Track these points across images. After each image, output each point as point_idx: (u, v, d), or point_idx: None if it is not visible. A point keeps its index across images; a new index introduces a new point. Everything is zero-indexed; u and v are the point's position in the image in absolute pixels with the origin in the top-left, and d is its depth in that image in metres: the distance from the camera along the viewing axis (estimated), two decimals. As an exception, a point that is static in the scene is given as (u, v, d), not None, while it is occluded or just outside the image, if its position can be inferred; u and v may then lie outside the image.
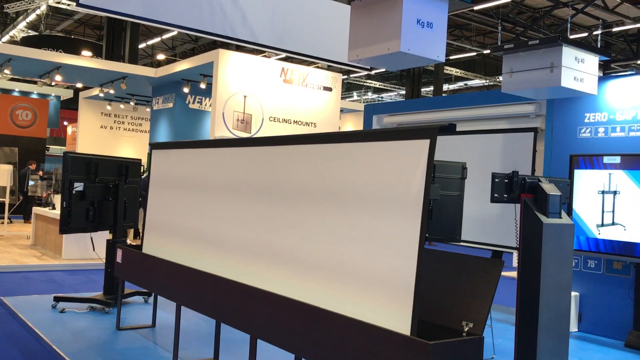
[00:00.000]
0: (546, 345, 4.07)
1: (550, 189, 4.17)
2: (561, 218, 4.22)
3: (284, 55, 10.20)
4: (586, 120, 7.09)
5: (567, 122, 7.25)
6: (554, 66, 5.53)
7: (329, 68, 12.93)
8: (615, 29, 17.75)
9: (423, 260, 2.89)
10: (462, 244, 7.94)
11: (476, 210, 7.94)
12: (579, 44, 5.70)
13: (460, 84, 29.29)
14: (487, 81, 27.84)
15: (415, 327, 2.90)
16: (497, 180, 4.07)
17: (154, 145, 5.82)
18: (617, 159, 6.47)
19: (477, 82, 28.32)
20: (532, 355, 4.05)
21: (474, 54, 23.37)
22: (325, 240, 3.52)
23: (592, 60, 5.79)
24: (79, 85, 16.37)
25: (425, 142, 2.96)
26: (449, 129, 2.85)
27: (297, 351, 3.57)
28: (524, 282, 4.10)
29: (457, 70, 26.48)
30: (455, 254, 3.30)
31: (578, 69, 5.66)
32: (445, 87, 28.05)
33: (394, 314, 3.00)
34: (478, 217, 8.10)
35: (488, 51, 23.48)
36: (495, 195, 4.07)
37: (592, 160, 6.66)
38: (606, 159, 6.55)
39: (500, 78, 26.97)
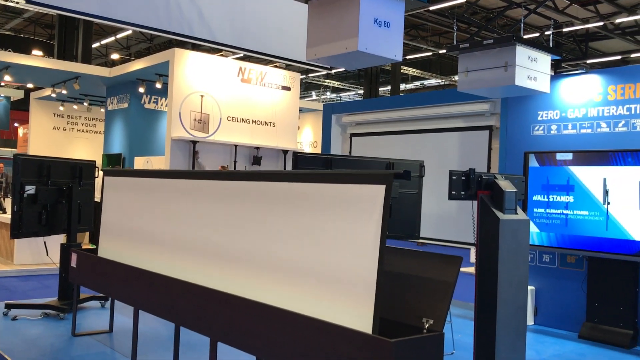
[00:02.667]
0: (505, 339, 4.14)
1: (506, 185, 4.25)
2: (517, 214, 4.30)
3: (241, 54, 10.12)
4: (539, 118, 7.25)
5: (521, 120, 7.40)
6: (508, 65, 5.64)
7: (287, 67, 12.89)
8: (565, 30, 18.24)
9: (384, 258, 2.90)
10: (421, 241, 8.04)
11: (434, 207, 8.05)
12: (531, 44, 5.83)
13: (417, 83, 29.63)
14: (443, 81, 28.25)
15: (377, 326, 2.91)
16: (454, 177, 4.12)
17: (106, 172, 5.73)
18: (569, 156, 6.64)
19: (433, 81, 28.71)
20: (491, 350, 4.11)
21: (430, 53, 23.68)
22: (284, 240, 3.50)
23: (544, 60, 5.92)
24: (30, 85, 15.89)
25: (381, 188, 2.95)
26: (403, 176, 2.87)
27: (258, 353, 3.54)
28: (482, 277, 4.17)
29: (414, 70, 26.79)
30: (414, 251, 3.32)
31: (531, 67, 5.79)
32: (402, 86, 28.32)
33: (356, 313, 3.00)
34: (436, 215, 8.21)
35: (444, 51, 23.82)
36: (453, 192, 4.12)
37: (545, 158, 6.82)
38: (559, 156, 6.72)
39: (456, 77, 27.39)
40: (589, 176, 6.44)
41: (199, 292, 3.87)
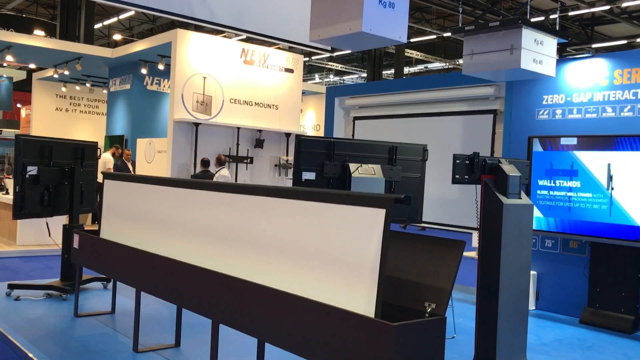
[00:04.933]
0: (506, 324, 4.14)
1: (510, 170, 4.21)
2: (521, 199, 4.28)
3: (244, 36, 10.03)
4: (544, 102, 7.19)
5: (526, 104, 7.34)
6: (513, 48, 5.57)
7: (290, 49, 12.79)
8: (571, 13, 18.05)
9: (387, 241, 2.88)
10: (422, 225, 8.03)
11: (437, 191, 8.02)
12: (538, 26, 5.75)
13: (421, 66, 29.43)
14: (448, 64, 28.05)
15: (380, 310, 2.90)
16: (458, 161, 4.08)
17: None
18: (574, 141, 6.59)
19: (437, 64, 28.51)
20: (493, 334, 4.11)
21: (435, 36, 23.47)
22: (287, 222, 3.48)
23: (550, 43, 5.85)
24: (32, 66, 15.83)
25: (381, 212, 2.93)
26: (404, 201, 2.84)
27: (260, 335, 3.55)
28: (485, 262, 4.15)
29: (418, 53, 26.60)
30: (417, 235, 3.30)
31: (537, 51, 5.72)
32: (406, 69, 28.14)
33: (359, 296, 2.99)
34: (438, 199, 8.19)
35: (448, 34, 23.64)
36: (457, 176, 4.09)
37: (549, 142, 6.78)
38: (563, 141, 6.67)
39: (461, 61, 27.17)
40: (593, 161, 6.40)
41: (201, 274, 3.86)
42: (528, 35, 5.58)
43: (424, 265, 3.15)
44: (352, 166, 6.08)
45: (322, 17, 4.57)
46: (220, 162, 10.55)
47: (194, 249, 4.19)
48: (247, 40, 12.98)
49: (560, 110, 7.04)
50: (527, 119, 7.32)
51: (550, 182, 6.75)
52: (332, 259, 3.13)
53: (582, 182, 6.49)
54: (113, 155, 12.18)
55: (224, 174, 10.32)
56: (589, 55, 6.82)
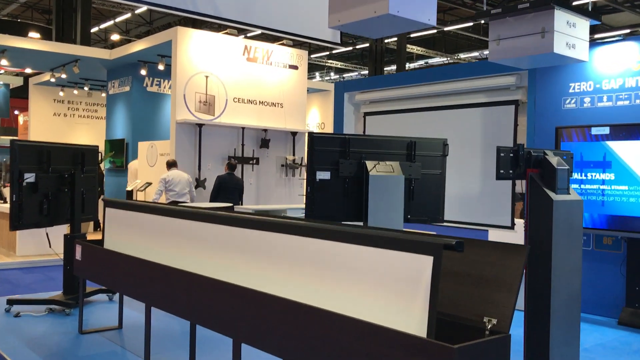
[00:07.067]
0: (559, 332, 3.73)
1: (558, 162, 3.80)
2: (569, 194, 3.87)
3: (250, 33, 9.62)
4: (571, 91, 6.78)
5: (551, 93, 6.93)
6: (545, 31, 5.15)
7: (294, 45, 12.37)
8: (574, 4, 17.60)
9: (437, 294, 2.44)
10: (445, 224, 7.61)
11: (457, 188, 7.62)
12: (571, 7, 5.33)
13: (421, 62, 29.01)
14: (448, 59, 27.64)
15: (433, 328, 2.49)
16: (502, 154, 3.67)
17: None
18: (606, 130, 6.19)
19: (437, 59, 28.09)
20: (545, 344, 3.70)
21: (435, 31, 23.06)
22: (321, 265, 3.05)
23: (583, 25, 5.44)
24: (28, 70, 15.41)
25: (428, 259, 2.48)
26: (455, 247, 2.39)
27: (290, 358, 3.12)
28: (534, 264, 3.74)
29: (418, 48, 26.17)
30: (472, 240, 2.88)
31: (570, 34, 5.30)
32: (407, 65, 27.71)
33: (405, 312, 2.58)
34: (459, 196, 7.78)
35: (449, 28, 23.24)
36: (501, 171, 3.68)
37: (578, 132, 6.37)
38: (594, 130, 6.26)
39: (462, 55, 26.69)
40: (628, 151, 5.99)
41: (221, 288, 3.44)
42: (560, 17, 5.16)
43: (482, 273, 2.74)
44: (369, 164, 5.70)
45: (343, 0, 4.15)
46: (170, 165, 9.78)
47: (212, 260, 3.78)
48: (248, 35, 12.57)
49: (589, 99, 6.63)
50: (552, 109, 6.90)
51: (581, 175, 6.34)
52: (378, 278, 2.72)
53: (617, 174, 6.07)
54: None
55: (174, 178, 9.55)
56: (619, 38, 6.40)
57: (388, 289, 2.62)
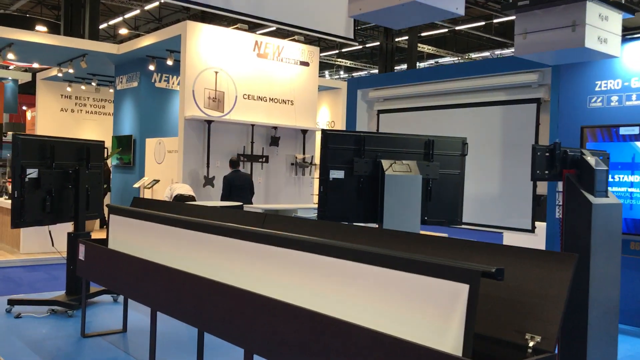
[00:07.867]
0: (597, 346, 3.45)
1: (596, 163, 3.52)
2: (608, 197, 3.59)
3: (267, 29, 9.36)
4: (597, 89, 6.48)
5: (576, 91, 6.63)
6: (575, 24, 4.86)
7: (304, 43, 12.12)
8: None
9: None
10: (463, 226, 7.33)
11: (474, 189, 7.33)
12: (602, -1, 5.03)
13: (431, 61, 28.69)
14: (459, 58, 27.32)
15: (470, 346, 2.22)
16: (538, 153, 3.39)
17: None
18: (635, 130, 5.89)
19: (448, 59, 27.77)
20: (582, 357, 3.42)
21: (446, 30, 22.77)
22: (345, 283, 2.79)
23: (616, 18, 5.14)
24: (36, 65, 15.21)
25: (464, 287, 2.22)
26: (495, 275, 2.14)
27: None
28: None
29: (429, 47, 25.86)
30: (511, 247, 2.61)
31: (602, 27, 5.00)
32: (417, 65, 27.40)
33: (437, 328, 2.32)
34: (476, 197, 7.50)
35: (460, 27, 22.92)
36: (537, 171, 3.40)
37: (604, 132, 6.08)
38: (623, 130, 5.97)
39: (473, 55, 26.31)
40: (659, 152, 5.69)
41: (232, 294, 3.19)
42: (592, 9, 4.87)
43: (524, 285, 2.47)
44: (385, 163, 5.45)
45: (365, -13, 3.88)
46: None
47: (223, 264, 3.52)
48: (258, 29, 12.32)
49: (617, 97, 6.33)
50: (577, 108, 6.60)
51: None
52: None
53: (646, 176, 5.78)
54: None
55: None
56: (651, 34, 6.09)
57: (422, 315, 2.36)
